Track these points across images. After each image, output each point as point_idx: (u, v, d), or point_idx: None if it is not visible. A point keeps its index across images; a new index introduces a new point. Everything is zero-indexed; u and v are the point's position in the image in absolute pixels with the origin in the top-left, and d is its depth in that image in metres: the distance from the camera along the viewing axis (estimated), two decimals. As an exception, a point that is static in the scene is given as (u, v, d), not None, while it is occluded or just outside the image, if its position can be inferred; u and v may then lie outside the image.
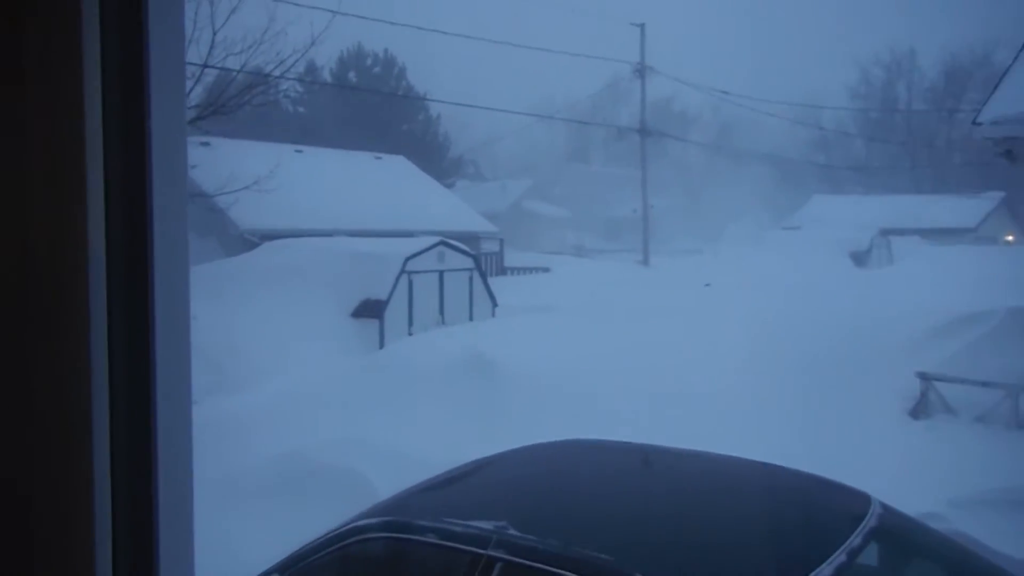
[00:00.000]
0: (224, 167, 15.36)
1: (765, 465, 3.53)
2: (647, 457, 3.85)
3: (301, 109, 38.76)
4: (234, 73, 14.89)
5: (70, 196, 0.81)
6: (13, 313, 0.79)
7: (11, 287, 0.79)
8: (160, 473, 0.85)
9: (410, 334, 12.98)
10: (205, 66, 13.78)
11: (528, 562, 2.61)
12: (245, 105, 15.05)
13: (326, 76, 38.16)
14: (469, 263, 15.18)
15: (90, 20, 0.80)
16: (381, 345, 12.36)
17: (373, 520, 3.09)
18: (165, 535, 0.86)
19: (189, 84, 13.25)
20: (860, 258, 29.94)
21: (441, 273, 14.33)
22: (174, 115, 0.87)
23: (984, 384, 8.21)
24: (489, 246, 26.36)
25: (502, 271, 25.26)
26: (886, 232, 32.39)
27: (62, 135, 0.80)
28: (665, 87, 44.09)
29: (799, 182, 48.97)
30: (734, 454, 3.71)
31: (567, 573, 2.51)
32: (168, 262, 0.86)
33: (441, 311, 14.22)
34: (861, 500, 3.14)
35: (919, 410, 8.44)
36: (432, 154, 36.28)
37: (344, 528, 3.14)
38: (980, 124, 8.69)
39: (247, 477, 6.06)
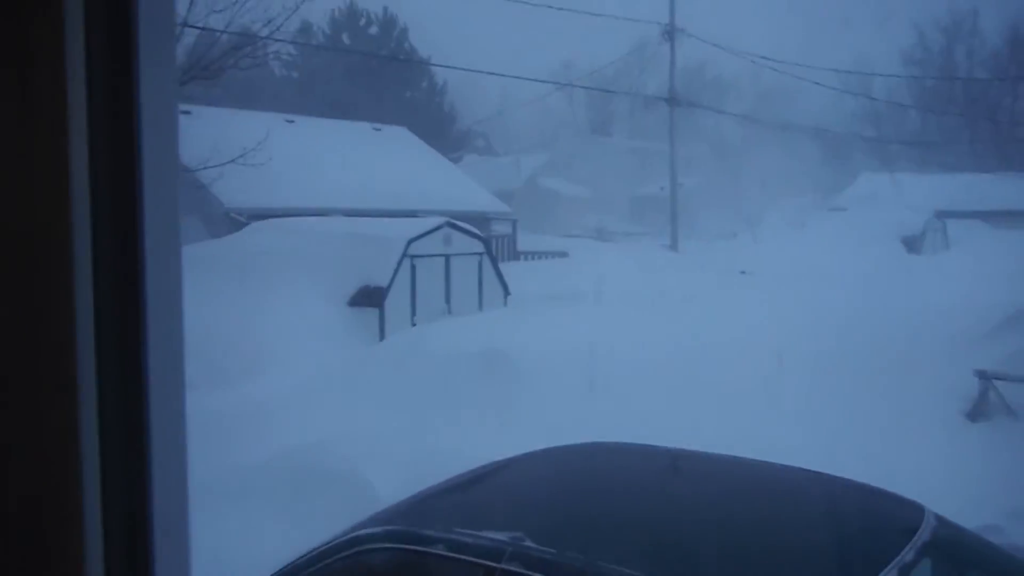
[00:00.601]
0: (207, 138, 15.38)
1: (808, 472, 3.53)
2: (677, 462, 3.85)
3: (294, 74, 38.79)
4: (218, 33, 14.90)
5: (52, 172, 0.81)
6: None
7: None
8: (155, 473, 0.86)
9: (413, 325, 13.01)
10: (185, 25, 13.77)
11: (546, 576, 2.62)
12: (230, 69, 15.05)
13: (320, 38, 38.17)
14: (478, 247, 15.19)
15: None
16: (381, 337, 12.40)
17: (376, 529, 3.12)
18: (160, 542, 0.87)
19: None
20: (912, 243, 29.74)
21: (447, 257, 14.35)
22: (164, 79, 0.87)
23: (1051, 384, 8.16)
24: (501, 228, 26.35)
25: (515, 256, 25.24)
26: (942, 214, 32.14)
27: (40, 103, 0.80)
28: (697, 52, 43.86)
29: (846, 158, 48.65)
30: (772, 459, 3.71)
31: (590, 588, 2.52)
32: (160, 244, 0.87)
33: (447, 299, 14.24)
34: (913, 511, 3.14)
35: (977, 412, 8.40)
36: (437, 125, 36.26)
37: (344, 538, 3.17)
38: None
39: (236, 479, 6.11)
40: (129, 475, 0.85)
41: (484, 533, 2.85)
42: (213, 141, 15.27)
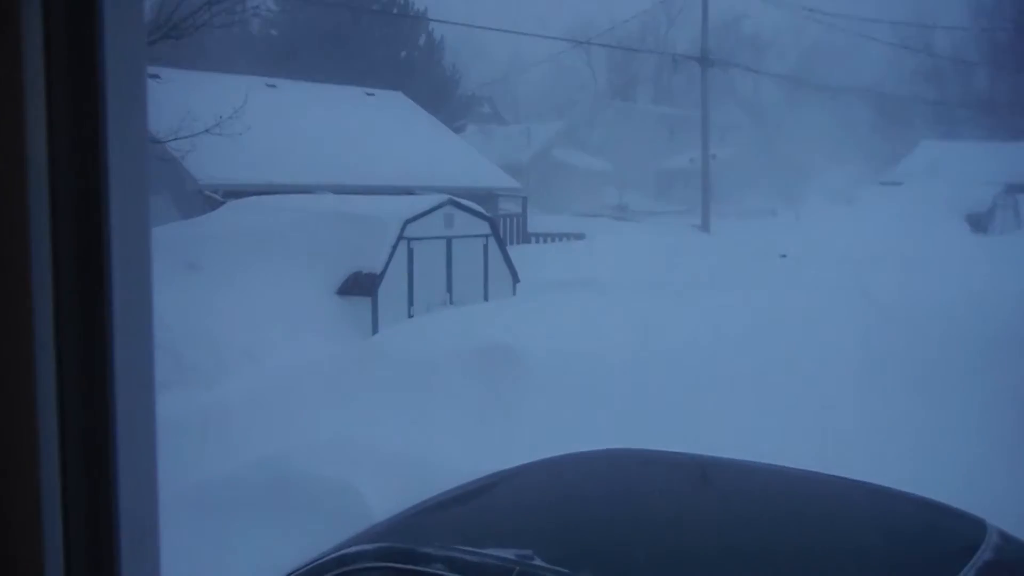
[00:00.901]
0: (178, 105, 15.42)
1: (856, 483, 3.55)
2: (708, 472, 3.87)
3: (273, 32, 38.76)
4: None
5: (4, 146, 0.82)
6: None
7: None
8: (122, 482, 0.88)
9: (410, 316, 13.05)
10: (155, -22, 13.80)
11: (559, 599, 2.65)
12: (204, 26, 15.06)
13: (304, -10, 38.09)
14: (484, 228, 15.20)
15: None
16: (375, 330, 12.45)
17: (367, 547, 3.15)
18: (128, 558, 0.89)
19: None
20: (979, 221, 29.64)
21: (449, 240, 14.37)
22: (132, 37, 0.87)
23: None
24: (509, 206, 26.34)
25: (525, 238, 25.26)
26: (1013, 189, 31.96)
27: None
28: (733, 3, 43.63)
29: (903, 124, 48.39)
30: (816, 469, 3.73)
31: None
32: (127, 226, 0.88)
33: (449, 288, 14.27)
34: (974, 527, 3.15)
35: (1051, 415, 8.37)
36: (437, 89, 36.21)
37: (332, 556, 3.20)
38: None
39: (210, 490, 6.17)
40: (93, 484, 0.87)
41: (489, 551, 2.87)
42: (184, 108, 15.31)
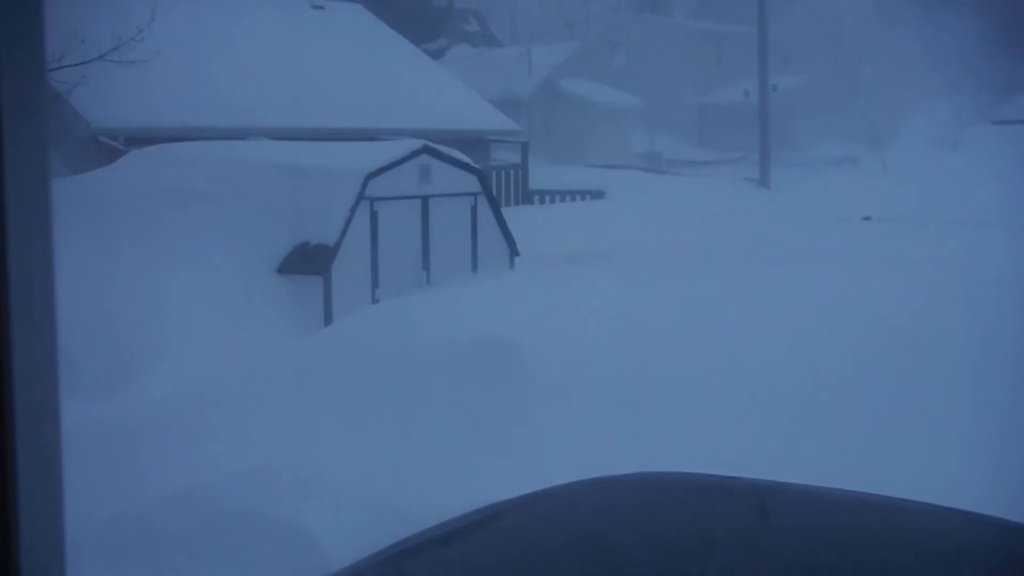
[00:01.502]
0: (62, 23, 15.36)
1: (966, 515, 3.58)
2: (767, 501, 3.90)
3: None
4: None
5: None
6: None
7: None
8: (23, 525, 0.90)
9: (375, 301, 13.06)
10: None
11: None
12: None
13: None
14: (472, 184, 15.20)
15: None
16: (327, 320, 12.46)
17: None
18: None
19: None
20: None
21: (425, 200, 14.37)
22: None
23: None
24: (505, 155, 26.31)
25: (527, 197, 25.23)
26: None
27: None
28: None
29: (1022, 44, 48.20)
30: (918, 498, 3.76)
31: None
32: (23, 191, 0.90)
33: (425, 263, 14.29)
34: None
35: None
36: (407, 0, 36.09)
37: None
38: None
39: (117, 530, 6.19)
40: None
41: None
42: (72, 27, 15.24)
